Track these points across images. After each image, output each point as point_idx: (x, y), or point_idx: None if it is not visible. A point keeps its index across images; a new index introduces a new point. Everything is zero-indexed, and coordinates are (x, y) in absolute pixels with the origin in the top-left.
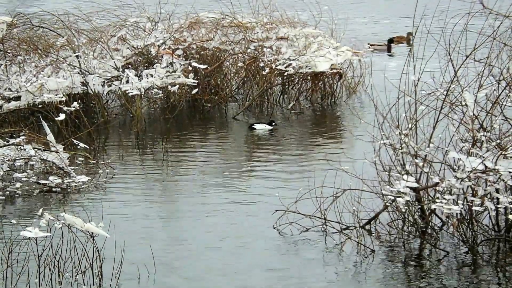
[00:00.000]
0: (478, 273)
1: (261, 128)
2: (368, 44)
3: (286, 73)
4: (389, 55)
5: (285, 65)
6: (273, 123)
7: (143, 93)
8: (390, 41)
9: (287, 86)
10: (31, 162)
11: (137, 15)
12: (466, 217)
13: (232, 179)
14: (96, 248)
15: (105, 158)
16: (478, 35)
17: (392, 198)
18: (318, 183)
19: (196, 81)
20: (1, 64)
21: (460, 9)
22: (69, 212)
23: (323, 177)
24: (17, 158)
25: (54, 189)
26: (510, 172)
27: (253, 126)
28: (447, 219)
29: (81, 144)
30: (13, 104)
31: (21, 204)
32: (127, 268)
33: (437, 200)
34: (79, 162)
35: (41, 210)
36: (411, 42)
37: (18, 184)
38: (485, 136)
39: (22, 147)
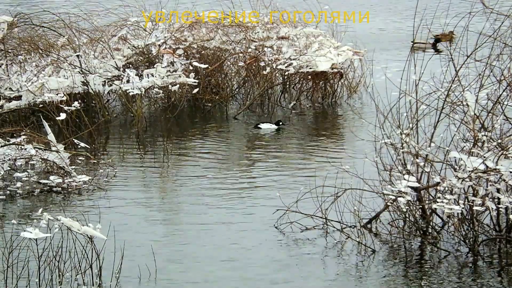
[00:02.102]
0: (479, 273)
1: (267, 127)
2: (411, 42)
3: (286, 73)
4: (435, 53)
5: (285, 65)
6: (280, 123)
7: (143, 93)
8: (437, 40)
9: (287, 86)
10: (32, 162)
11: (138, 14)
12: (467, 217)
13: (233, 178)
14: (95, 248)
15: (106, 158)
16: (479, 35)
17: (393, 197)
18: (319, 182)
19: (197, 81)
20: (2, 64)
21: (461, 9)
22: (69, 211)
23: (324, 176)
24: (18, 157)
25: (54, 189)
26: (511, 172)
27: (259, 125)
28: (448, 218)
29: (82, 144)
30: (14, 104)
31: (22, 204)
32: (127, 268)
33: (438, 200)
34: (80, 162)
35: (40, 210)
36: (454, 40)
37: (18, 184)
38: (486, 136)
39: (23, 147)
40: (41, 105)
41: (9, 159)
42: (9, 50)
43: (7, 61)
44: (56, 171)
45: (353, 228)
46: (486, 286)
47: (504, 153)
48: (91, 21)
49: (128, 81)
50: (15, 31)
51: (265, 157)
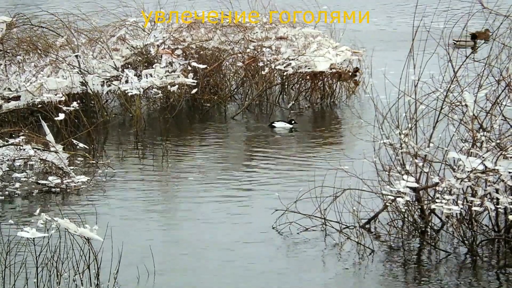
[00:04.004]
0: (477, 273)
1: (281, 126)
2: (453, 40)
3: (285, 73)
4: (473, 51)
5: (284, 65)
6: (293, 122)
7: (142, 93)
8: (474, 36)
9: (286, 86)
10: (31, 162)
11: (137, 14)
12: (466, 217)
13: (231, 178)
14: (93, 249)
15: (105, 158)
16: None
17: (392, 198)
18: (318, 182)
19: (195, 81)
20: (1, 64)
21: (460, 9)
22: (68, 212)
23: (323, 176)
24: (17, 158)
25: (53, 189)
26: (510, 172)
27: (273, 124)
28: (447, 219)
29: (81, 144)
30: (12, 104)
31: (20, 204)
32: (125, 268)
33: (437, 200)
34: (79, 162)
35: (38, 210)
36: (489, 38)
37: (17, 184)
38: (485, 136)
39: (21, 147)
40: (39, 106)
41: (8, 160)
42: (8, 51)
43: (5, 62)
44: (55, 171)
45: (352, 228)
46: (485, 286)
47: (503, 153)
48: (89, 21)
49: (126, 82)
50: (14, 31)
51: (263, 157)
